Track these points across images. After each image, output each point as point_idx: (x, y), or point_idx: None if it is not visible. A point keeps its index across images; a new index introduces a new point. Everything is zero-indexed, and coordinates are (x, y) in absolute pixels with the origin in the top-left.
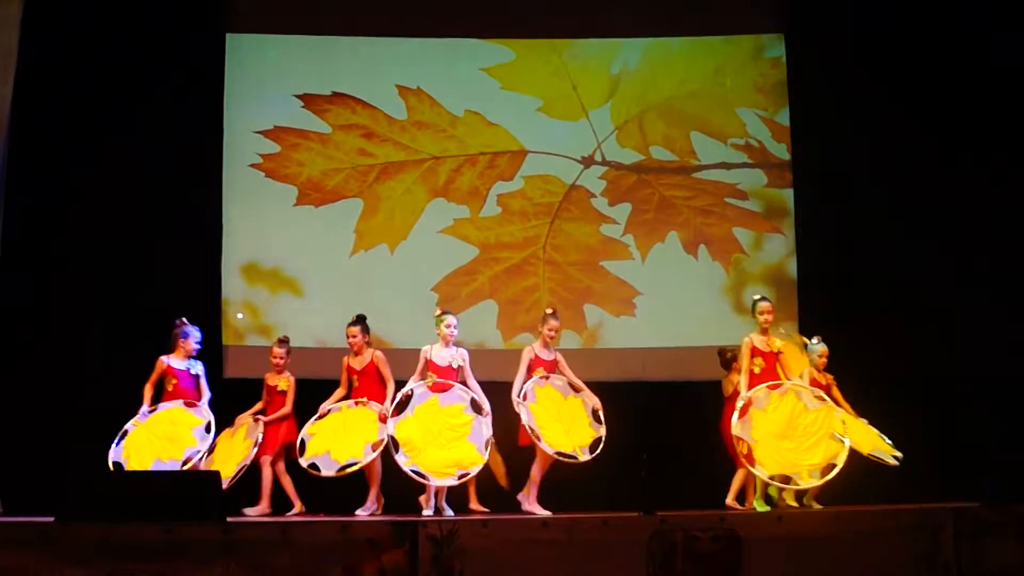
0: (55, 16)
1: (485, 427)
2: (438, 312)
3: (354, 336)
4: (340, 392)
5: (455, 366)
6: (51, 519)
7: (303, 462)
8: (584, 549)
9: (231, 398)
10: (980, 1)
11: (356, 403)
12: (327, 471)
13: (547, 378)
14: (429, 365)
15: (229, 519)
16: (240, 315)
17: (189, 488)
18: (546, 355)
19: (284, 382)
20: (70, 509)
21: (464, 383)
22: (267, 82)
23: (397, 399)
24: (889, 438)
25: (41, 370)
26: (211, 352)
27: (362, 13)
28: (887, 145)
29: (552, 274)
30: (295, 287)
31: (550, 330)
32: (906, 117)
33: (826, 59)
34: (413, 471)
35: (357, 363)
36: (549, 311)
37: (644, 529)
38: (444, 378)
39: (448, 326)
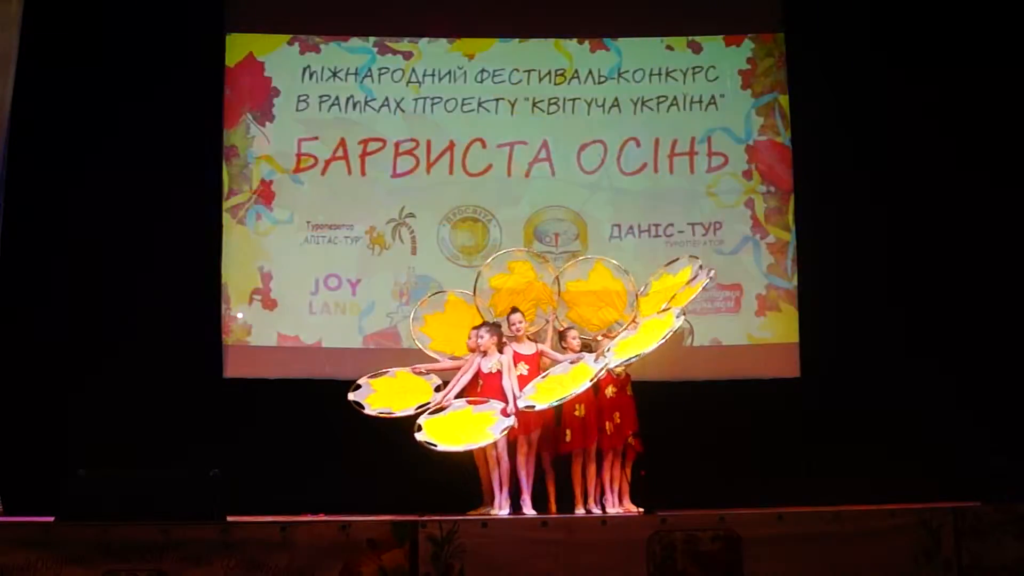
0: (55, 16)
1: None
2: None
3: (480, 337)
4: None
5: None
6: (51, 519)
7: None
8: (584, 549)
9: (231, 398)
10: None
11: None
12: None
13: (546, 375)
14: (515, 356)
15: (229, 518)
16: (240, 314)
17: (189, 488)
18: (525, 349)
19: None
20: (70, 509)
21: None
22: (267, 97)
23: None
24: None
25: (41, 370)
26: (211, 352)
27: (363, 15)
28: (889, 154)
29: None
30: (294, 306)
31: (515, 328)
32: (907, 121)
33: (826, 62)
34: (426, 442)
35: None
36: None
37: (644, 529)
38: (530, 365)
39: (513, 324)
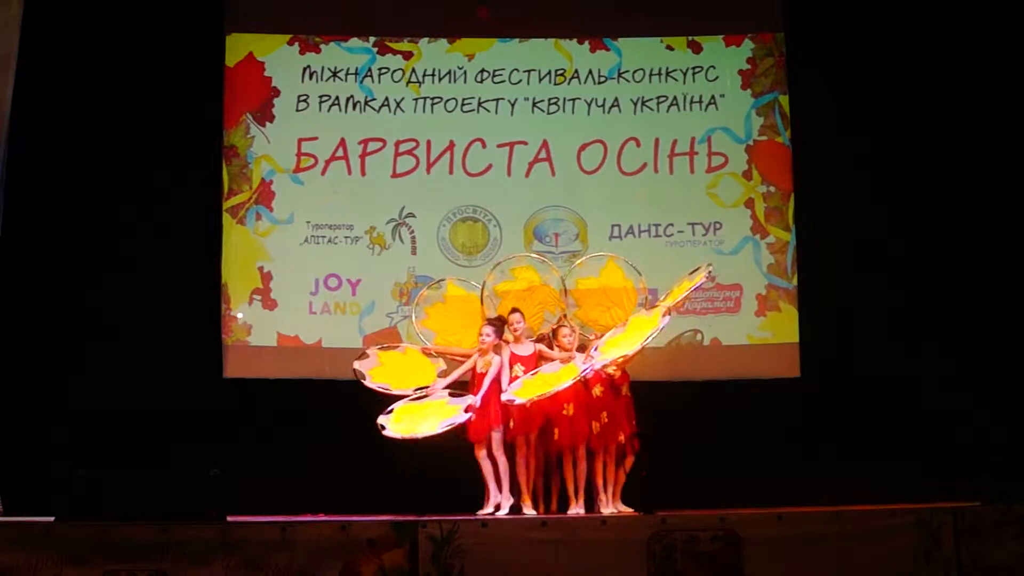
0: (55, 16)
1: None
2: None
3: (486, 336)
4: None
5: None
6: (51, 519)
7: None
8: (584, 549)
9: (231, 398)
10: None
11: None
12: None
13: (535, 372)
14: (512, 357)
15: (229, 518)
16: (240, 315)
17: (189, 488)
18: (522, 350)
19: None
20: (70, 509)
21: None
22: (267, 97)
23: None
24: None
25: (41, 370)
26: (211, 352)
27: (363, 15)
28: (889, 154)
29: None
30: (294, 306)
31: (513, 328)
32: (907, 121)
33: (826, 62)
34: (380, 425)
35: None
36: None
37: (644, 529)
38: (526, 366)
39: (511, 324)
